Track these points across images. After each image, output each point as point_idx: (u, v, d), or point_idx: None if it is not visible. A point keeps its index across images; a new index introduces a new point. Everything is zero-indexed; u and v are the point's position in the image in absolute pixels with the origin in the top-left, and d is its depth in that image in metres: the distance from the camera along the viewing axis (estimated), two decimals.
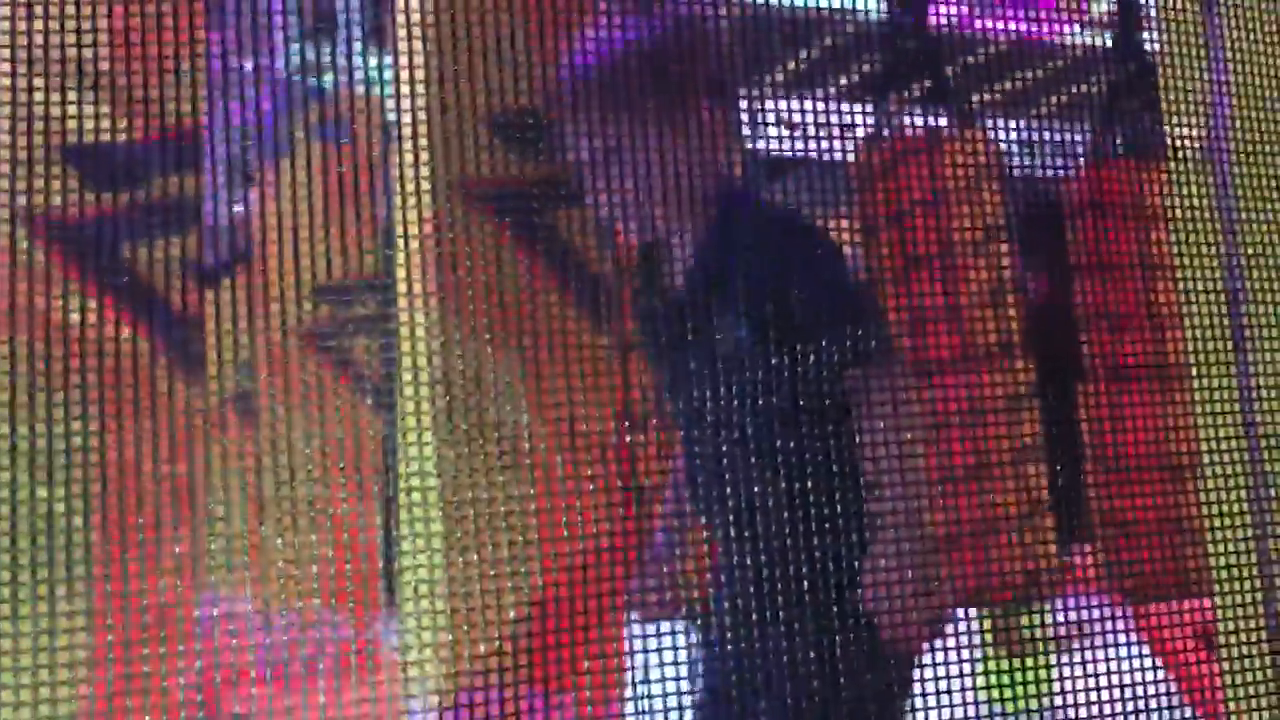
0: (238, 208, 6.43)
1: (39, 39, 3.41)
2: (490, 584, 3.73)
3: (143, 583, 3.37)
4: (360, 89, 6.35)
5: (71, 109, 3.38)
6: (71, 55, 3.41)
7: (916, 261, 5.41)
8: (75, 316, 3.34)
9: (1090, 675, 4.38)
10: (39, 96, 3.38)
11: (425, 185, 3.81)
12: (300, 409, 6.02)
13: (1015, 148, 4.92)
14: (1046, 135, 5.22)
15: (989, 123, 4.97)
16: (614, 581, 3.81)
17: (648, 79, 1.64)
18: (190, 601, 3.49)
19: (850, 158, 5.66)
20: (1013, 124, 4.84)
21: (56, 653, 3.22)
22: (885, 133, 5.52)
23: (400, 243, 4.05)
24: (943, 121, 5.54)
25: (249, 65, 5.82)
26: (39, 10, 3.30)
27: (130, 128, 3.43)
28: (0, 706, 3.17)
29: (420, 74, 3.87)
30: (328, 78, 6.28)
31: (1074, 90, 4.95)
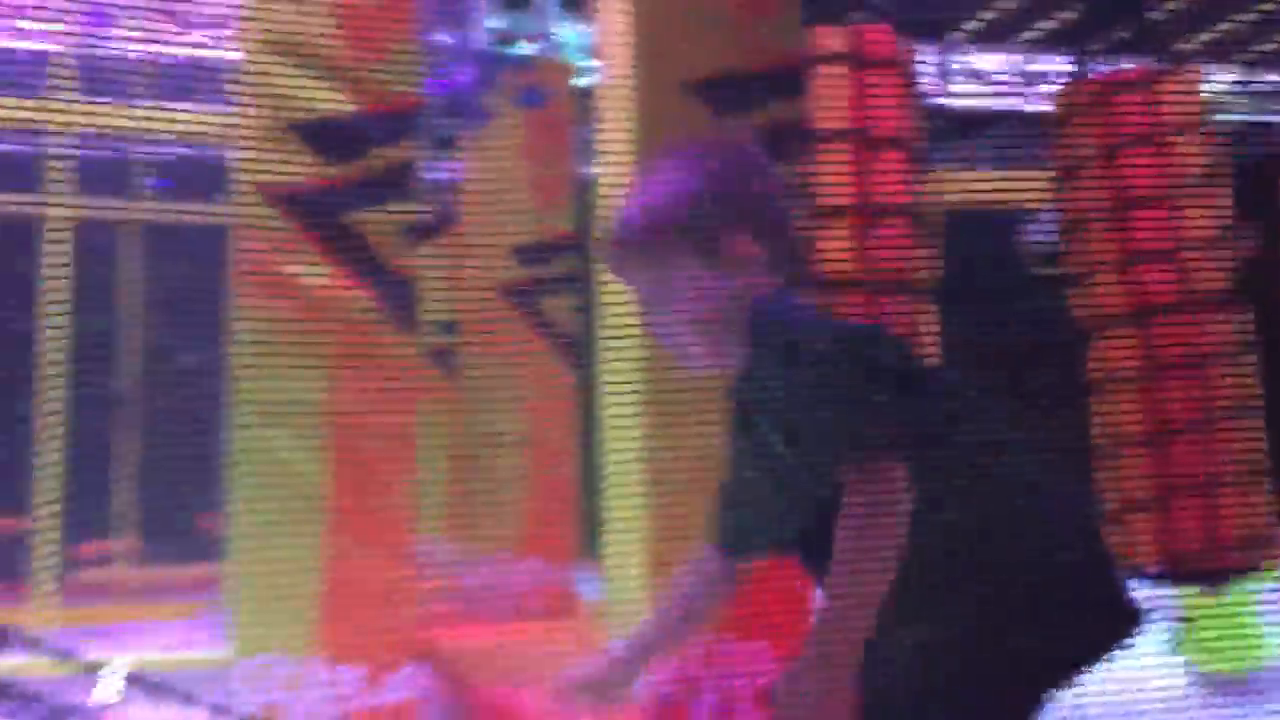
0: (444, 173, 6.70)
1: (273, 25, 3.66)
2: (688, 530, 3.87)
3: (367, 525, 3.63)
4: (558, 56, 6.48)
5: (303, 89, 3.62)
6: (301, 40, 3.64)
7: (1131, 203, 5.25)
8: (310, 279, 3.60)
9: None
10: (275, 79, 3.63)
11: (624, 149, 3.94)
12: (501, 363, 6.26)
13: (1228, 94, 4.72)
14: (1261, 81, 4.99)
15: (1199, 68, 4.78)
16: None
17: (696, 221, 1.70)
18: (409, 543, 3.73)
19: (1047, 105, 5.51)
20: (1224, 70, 4.64)
21: (292, 587, 3.51)
22: (1089, 74, 5.37)
23: (599, 204, 4.19)
24: (1148, 65, 5.35)
25: (452, 38, 6.04)
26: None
27: (354, 104, 3.65)
28: (243, 636, 3.47)
29: (620, 41, 3.99)
30: (526, 46, 6.44)
31: None
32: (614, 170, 4.01)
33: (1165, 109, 5.00)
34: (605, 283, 4.23)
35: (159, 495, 7.07)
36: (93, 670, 2.52)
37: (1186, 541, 4.95)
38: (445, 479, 6.97)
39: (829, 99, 4.27)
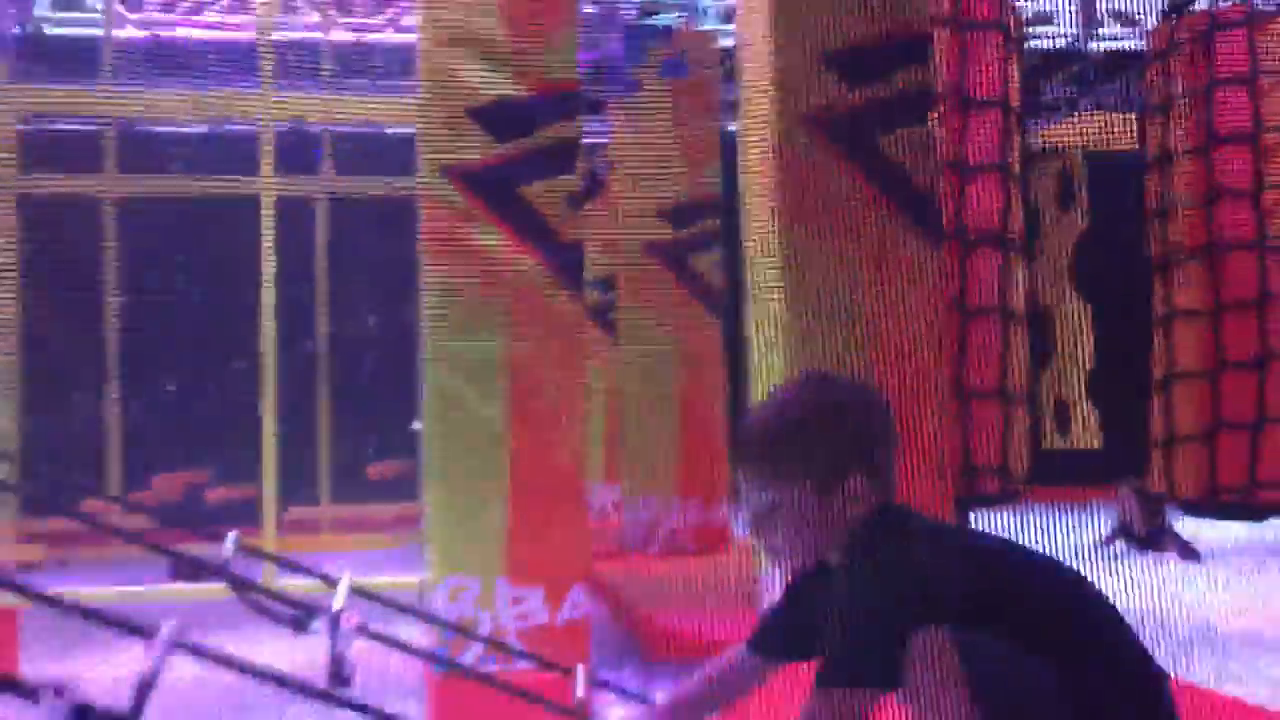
0: (597, 139, 7.01)
1: (449, 19, 4.02)
2: None
3: (543, 465, 4.00)
4: (701, 25, 6.72)
5: (476, 76, 3.98)
6: (473, 31, 4.00)
7: (1221, 140, 5.24)
8: (487, 246, 3.98)
9: None
10: (452, 68, 4.00)
11: (766, 113, 4.19)
12: (654, 319, 6.59)
13: None
14: None
15: None
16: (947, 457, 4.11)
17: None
18: (580, 483, 4.09)
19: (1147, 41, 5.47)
20: None
21: (480, 519, 3.91)
22: (1193, 7, 5.32)
23: (744, 166, 4.45)
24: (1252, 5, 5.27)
25: (601, 11, 6.34)
26: None
27: (521, 88, 4.00)
28: (439, 562, 3.89)
29: (759, 9, 4.22)
30: (670, 17, 6.70)
31: None
32: (755, 133, 4.26)
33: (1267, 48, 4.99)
34: (749, 240, 4.50)
35: (355, 443, 7.66)
36: (327, 584, 2.94)
37: (1231, 475, 5.02)
38: (609, 425, 7.36)
39: (944, 61, 4.41)
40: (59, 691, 1.80)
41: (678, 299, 6.64)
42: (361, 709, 2.46)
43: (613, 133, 7.04)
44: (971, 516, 5.15)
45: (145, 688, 1.93)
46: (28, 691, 1.82)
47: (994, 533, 2.06)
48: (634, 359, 6.78)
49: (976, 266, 4.78)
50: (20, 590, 2.68)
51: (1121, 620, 1.89)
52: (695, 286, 6.67)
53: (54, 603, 2.62)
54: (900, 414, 3.95)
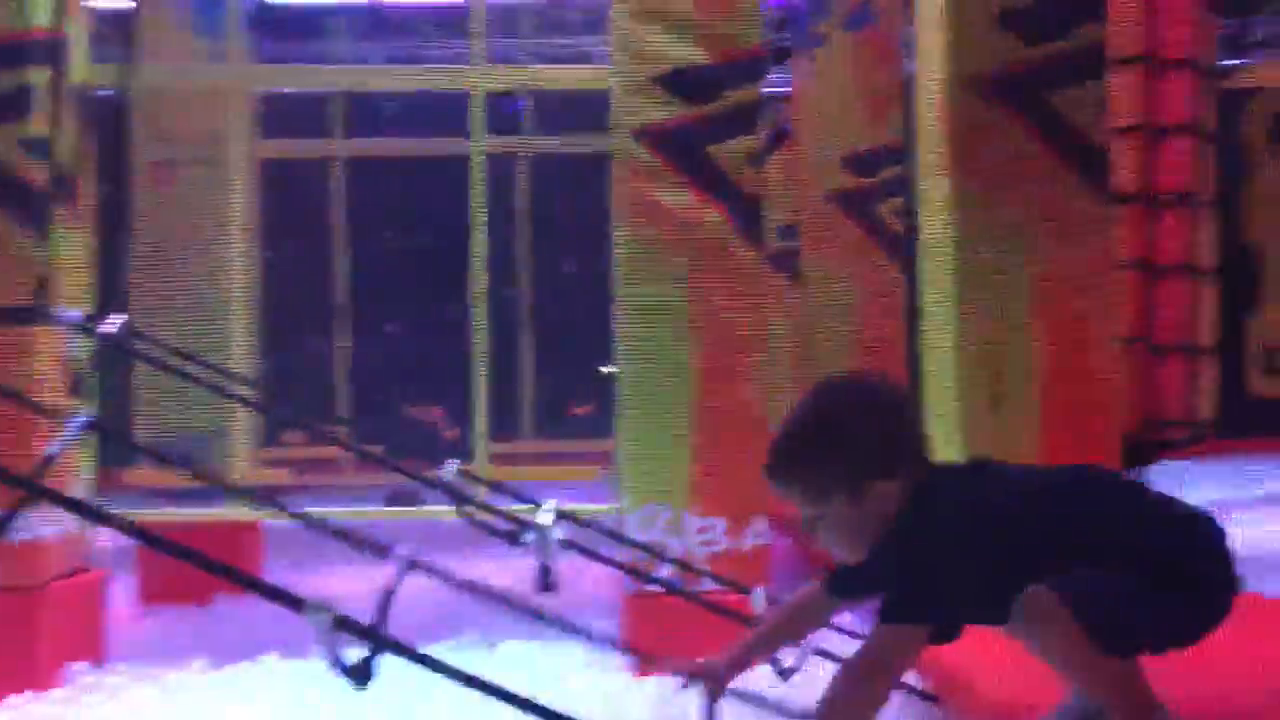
0: (782, 89, 7.16)
1: None
2: (1001, 419, 4.26)
3: (728, 404, 4.27)
4: None
5: (666, 44, 4.24)
6: (663, 3, 4.25)
7: None
8: (674, 202, 4.25)
9: None
10: (641, 35, 4.27)
11: (940, 68, 4.31)
12: (837, 265, 6.76)
13: None
14: None
15: None
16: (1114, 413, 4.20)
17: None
18: (764, 424, 4.33)
19: None
20: None
21: (669, 453, 4.21)
22: None
23: (918, 119, 4.58)
24: None
25: None
26: None
27: (708, 54, 4.24)
28: (632, 491, 4.22)
29: None
30: None
31: None
32: (928, 87, 4.38)
33: None
34: (921, 193, 4.63)
35: (554, 382, 8.12)
36: (534, 507, 3.29)
37: None
38: (792, 369, 7.57)
39: (1128, 19, 4.41)
40: (321, 606, 1.94)
41: (860, 246, 6.75)
42: (561, 622, 2.74)
43: (797, 84, 7.17)
44: (1156, 470, 5.17)
45: (386, 601, 2.08)
46: (293, 601, 1.98)
47: (1036, 472, 2.24)
48: (816, 304, 6.93)
49: (1163, 227, 4.77)
50: (281, 508, 3.07)
51: (1141, 494, 2.10)
52: (877, 233, 6.77)
53: (310, 520, 2.96)
54: (1069, 369, 4.07)
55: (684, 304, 4.25)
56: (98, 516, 2.08)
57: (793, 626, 2.37)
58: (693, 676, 2.26)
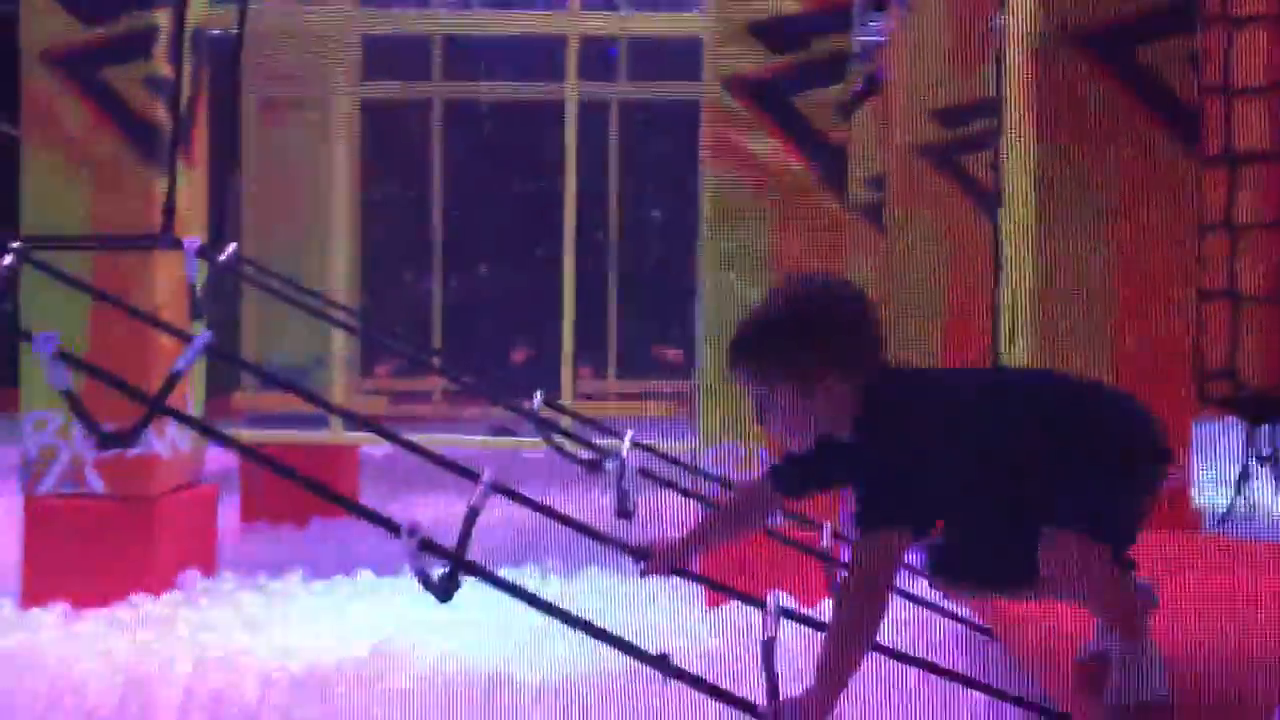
0: (875, 37, 7.14)
1: None
2: (1081, 360, 4.30)
3: None
4: None
5: None
6: None
7: None
8: (761, 150, 4.34)
9: None
10: None
11: (1028, 21, 4.31)
12: (923, 217, 6.78)
13: None
14: None
15: None
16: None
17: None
18: None
19: None
20: None
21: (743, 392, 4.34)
22: None
23: (1005, 73, 4.59)
24: None
25: None
26: None
27: (798, 4, 4.30)
28: (708, 430, 4.35)
29: None
30: None
31: None
32: (1017, 40, 4.38)
33: None
34: (1006, 146, 4.64)
35: (639, 324, 8.27)
36: (615, 438, 3.45)
37: None
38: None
39: None
40: (413, 529, 2.05)
41: (947, 198, 6.76)
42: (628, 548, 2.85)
43: (892, 33, 7.16)
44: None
45: (470, 522, 2.18)
46: (388, 523, 2.11)
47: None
48: (902, 255, 6.96)
49: (1245, 185, 4.71)
50: (382, 432, 3.25)
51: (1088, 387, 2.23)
52: (966, 186, 6.76)
53: (409, 445, 3.09)
54: (1150, 324, 4.08)
55: (765, 251, 4.36)
56: (217, 435, 2.26)
57: (736, 520, 2.43)
58: (641, 557, 2.35)
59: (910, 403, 2.05)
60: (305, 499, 6.01)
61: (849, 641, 2.02)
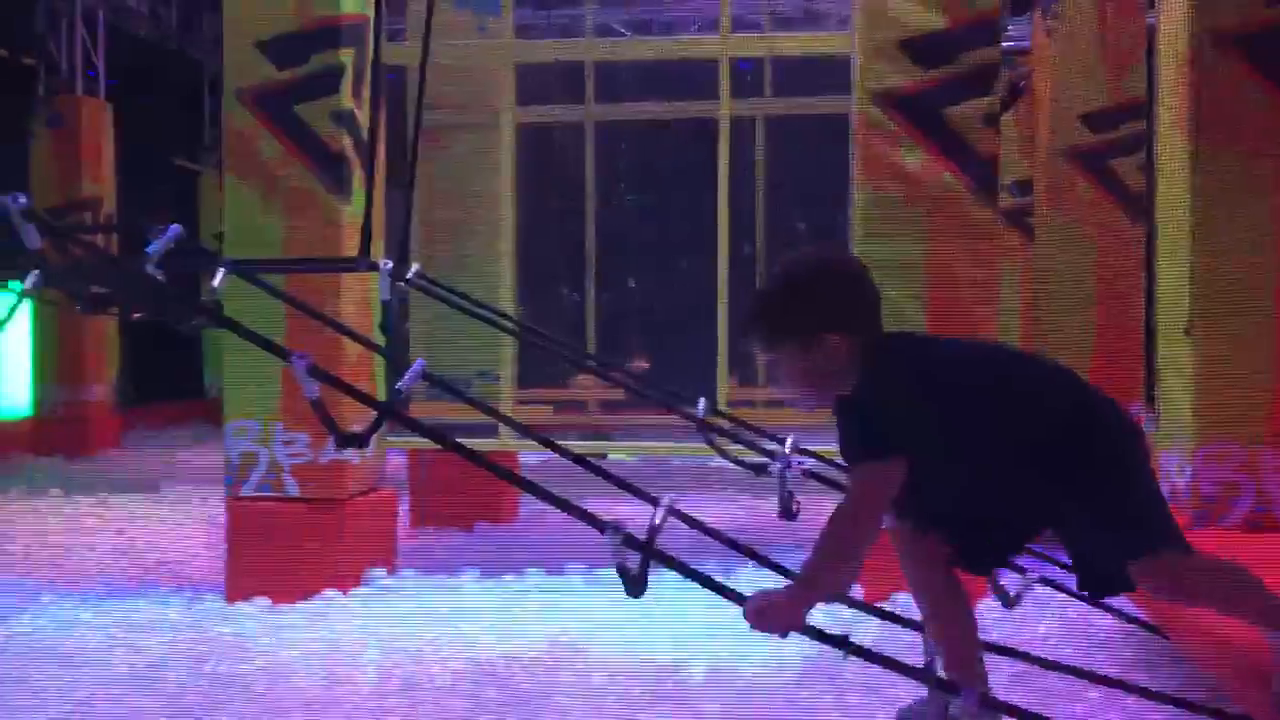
0: (1017, 42, 7.09)
1: None
2: (1240, 367, 4.25)
3: None
4: None
5: (905, 10, 4.41)
6: None
7: None
8: (911, 162, 4.43)
9: None
10: (884, 4, 4.45)
11: (1181, 27, 4.30)
12: (1073, 221, 6.72)
13: None
14: None
15: None
16: None
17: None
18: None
19: None
20: None
21: None
22: None
23: (1159, 78, 4.58)
24: None
25: None
26: None
27: (945, 20, 4.39)
28: None
29: None
30: None
31: None
32: (1170, 45, 4.37)
33: None
34: (1160, 150, 4.62)
35: None
36: (775, 442, 3.56)
37: None
38: (1023, 324, 7.56)
39: None
40: (616, 527, 2.19)
41: (1096, 202, 6.71)
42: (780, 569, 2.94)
43: (1036, 38, 7.14)
44: None
45: (654, 534, 2.27)
46: (596, 521, 2.23)
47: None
48: (1051, 261, 6.92)
49: None
50: (546, 442, 3.38)
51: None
52: (1115, 191, 6.70)
53: (574, 456, 3.20)
54: None
55: (917, 260, 4.44)
56: (446, 441, 2.44)
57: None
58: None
59: (906, 351, 2.22)
60: (472, 504, 6.33)
61: (832, 558, 2.16)
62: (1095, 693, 3.06)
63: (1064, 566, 3.13)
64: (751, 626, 2.10)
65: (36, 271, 2.76)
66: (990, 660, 2.49)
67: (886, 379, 2.16)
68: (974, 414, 2.18)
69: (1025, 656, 2.98)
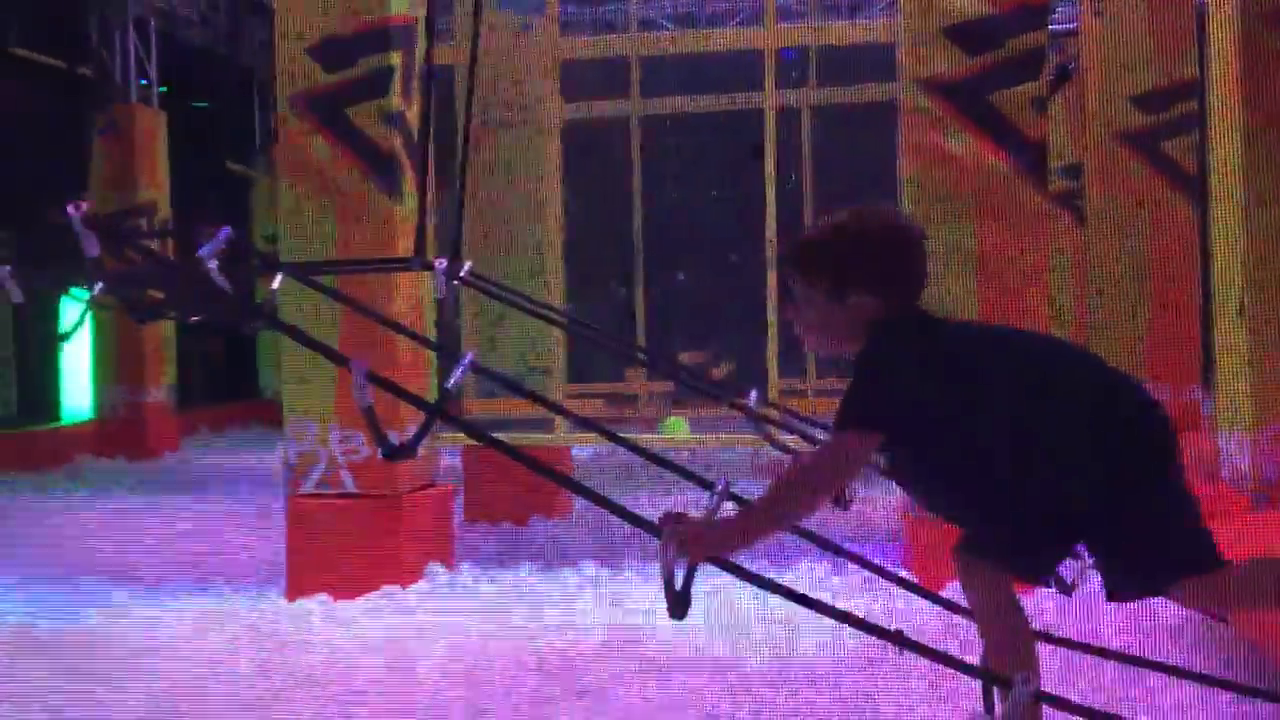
0: (1065, 24, 7.03)
1: None
2: None
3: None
4: None
5: None
6: None
7: None
8: (959, 149, 4.41)
9: None
10: None
11: (1234, 8, 4.25)
12: (1124, 203, 6.65)
13: None
14: None
15: None
16: None
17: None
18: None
19: None
20: None
21: None
22: None
23: (1212, 59, 4.53)
24: None
25: None
26: None
27: (992, 5, 4.36)
28: None
29: None
30: None
31: None
32: (1223, 27, 4.31)
33: None
34: (1213, 131, 4.56)
35: None
36: (826, 433, 3.57)
37: None
38: (1077, 308, 7.49)
39: None
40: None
41: (1148, 183, 6.64)
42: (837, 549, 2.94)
43: (1084, 20, 7.07)
44: None
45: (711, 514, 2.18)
46: (647, 524, 2.04)
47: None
48: (1104, 244, 6.86)
49: None
50: (605, 433, 3.40)
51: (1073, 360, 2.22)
52: (1168, 172, 6.63)
53: (632, 446, 3.23)
54: None
55: (967, 244, 4.42)
56: (486, 438, 2.45)
57: None
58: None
59: (910, 328, 2.13)
60: (524, 499, 6.38)
61: (771, 509, 2.11)
62: (1154, 679, 3.04)
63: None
64: (675, 553, 2.01)
65: (100, 283, 2.82)
66: (1044, 650, 2.48)
67: (876, 351, 2.12)
68: (983, 404, 2.10)
69: (1083, 647, 2.96)
